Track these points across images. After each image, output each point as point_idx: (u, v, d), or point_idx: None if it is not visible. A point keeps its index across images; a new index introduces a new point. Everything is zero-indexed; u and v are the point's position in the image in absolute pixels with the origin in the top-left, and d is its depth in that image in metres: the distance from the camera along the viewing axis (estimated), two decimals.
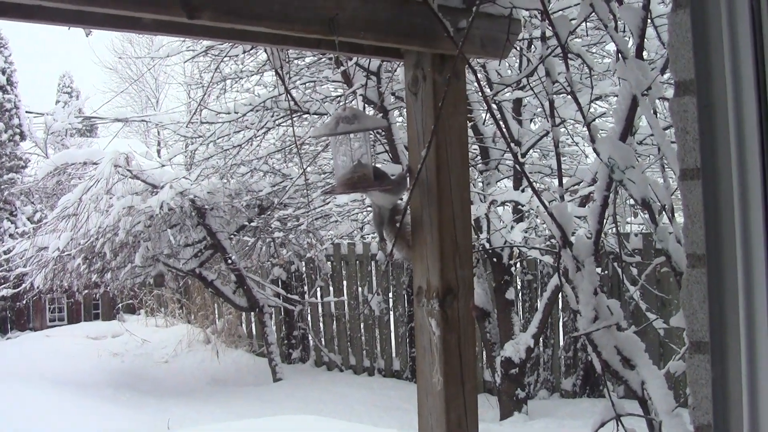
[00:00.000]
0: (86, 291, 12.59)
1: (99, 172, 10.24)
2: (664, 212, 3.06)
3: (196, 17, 2.47)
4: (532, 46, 7.56)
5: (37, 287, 11.12)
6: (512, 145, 5.82)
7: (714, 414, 1.37)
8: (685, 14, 1.42)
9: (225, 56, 9.17)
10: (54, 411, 9.14)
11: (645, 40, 3.01)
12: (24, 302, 15.34)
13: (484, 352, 8.91)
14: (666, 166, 3.38)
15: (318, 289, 12.41)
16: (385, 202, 3.21)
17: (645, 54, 3.05)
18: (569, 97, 7.69)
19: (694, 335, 1.42)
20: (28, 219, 18.89)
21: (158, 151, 23.18)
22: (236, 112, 9.61)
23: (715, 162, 1.34)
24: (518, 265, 9.36)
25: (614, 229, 5.92)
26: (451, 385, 3.10)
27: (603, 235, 3.74)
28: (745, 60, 1.28)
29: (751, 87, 1.28)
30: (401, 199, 3.33)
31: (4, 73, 19.30)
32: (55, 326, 18.68)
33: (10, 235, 17.88)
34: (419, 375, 3.21)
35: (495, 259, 8.34)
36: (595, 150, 2.97)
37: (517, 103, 8.23)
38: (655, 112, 2.92)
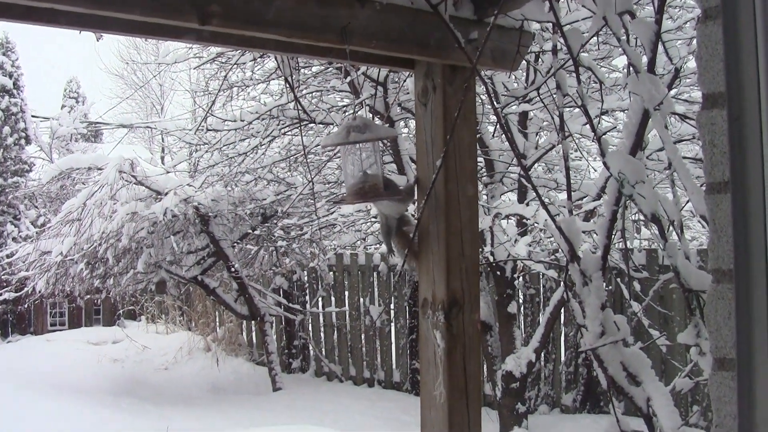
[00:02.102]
0: (88, 296, 12.58)
1: (103, 178, 10.24)
2: (672, 228, 3.04)
3: (207, 23, 2.46)
4: (540, 59, 7.55)
5: (39, 291, 11.10)
6: (519, 158, 5.82)
7: None
8: (715, 26, 1.40)
9: (233, 64, 9.17)
10: (53, 416, 9.12)
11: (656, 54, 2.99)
12: (25, 306, 15.33)
13: (486, 366, 8.87)
14: (676, 182, 3.35)
15: (319, 299, 12.39)
16: (393, 211, 3.19)
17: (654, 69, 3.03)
18: (575, 110, 7.69)
19: (718, 352, 1.40)
20: (32, 223, 18.91)
21: (162, 158, 23.21)
22: (242, 120, 9.60)
23: (744, 175, 1.32)
24: (521, 278, 9.34)
25: (620, 245, 5.90)
26: (455, 398, 3.07)
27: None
28: None
29: None
30: (408, 210, 3.31)
31: (11, 77, 19.35)
32: (55, 330, 18.69)
33: (14, 239, 17.91)
34: (422, 387, 3.18)
35: (498, 273, 8.31)
36: (605, 164, 2.94)
37: (523, 116, 8.21)
38: (665, 127, 2.90)
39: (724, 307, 1.38)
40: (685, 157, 5.81)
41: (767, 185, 1.27)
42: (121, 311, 17.90)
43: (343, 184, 3.18)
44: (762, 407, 1.30)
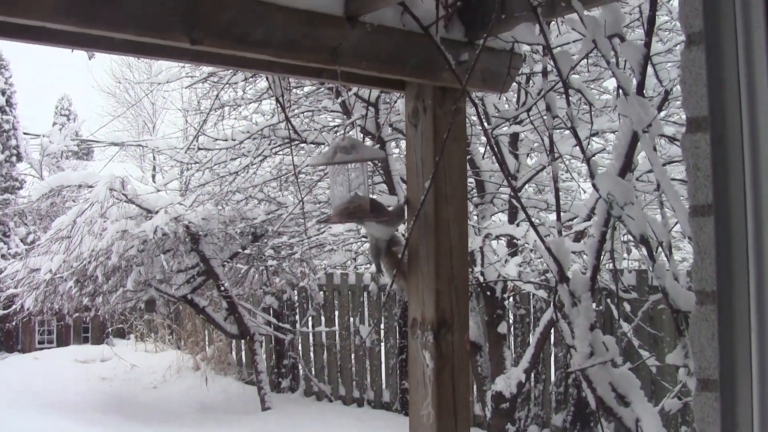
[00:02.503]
0: (77, 314, 12.52)
1: (94, 195, 10.22)
2: (661, 249, 3.06)
3: (198, 43, 2.47)
4: (531, 80, 7.59)
5: (28, 309, 11.05)
6: (509, 179, 5.83)
7: None
8: (699, 51, 1.42)
9: (225, 84, 9.18)
10: None
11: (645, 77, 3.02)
12: (13, 323, 15.26)
13: (475, 386, 8.86)
14: (664, 203, 3.37)
15: (309, 318, 12.36)
16: (381, 233, 3.20)
17: (644, 91, 3.05)
18: (566, 132, 7.73)
19: (702, 373, 1.41)
20: (21, 240, 18.85)
21: (153, 176, 23.18)
22: (233, 140, 9.61)
23: (727, 198, 1.34)
24: (511, 299, 9.34)
25: (610, 265, 5.92)
26: (444, 418, 3.08)
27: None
28: (762, 96, 1.28)
29: None
30: (398, 231, 3.32)
31: (3, 94, 19.35)
32: (43, 348, 18.61)
33: (2, 256, 17.84)
34: (412, 407, 3.18)
35: (488, 293, 8.31)
36: (594, 185, 2.96)
37: (514, 138, 8.24)
38: (654, 149, 2.92)
39: (707, 329, 1.40)
40: (674, 179, 5.83)
41: (749, 208, 1.29)
42: (110, 329, 17.83)
43: (332, 204, 3.19)
44: (744, 428, 1.31)
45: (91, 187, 10.79)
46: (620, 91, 2.89)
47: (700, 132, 1.41)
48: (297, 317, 12.58)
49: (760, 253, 1.29)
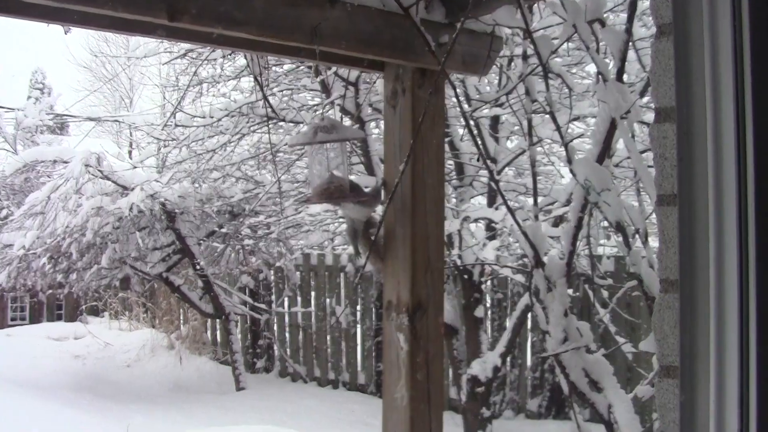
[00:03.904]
0: (50, 291, 12.48)
1: (69, 171, 10.16)
2: (637, 236, 3.09)
3: (177, 20, 2.47)
4: (512, 63, 7.59)
5: (0, 285, 11.00)
6: (488, 162, 5.83)
7: None
8: (668, 42, 1.44)
9: (204, 60, 9.13)
10: (10, 412, 9.03)
11: (626, 63, 3.04)
12: None
13: (451, 370, 8.90)
14: (642, 190, 3.40)
15: (286, 298, 12.36)
16: (359, 214, 3.21)
17: (625, 77, 3.07)
18: (547, 116, 7.74)
19: (664, 359, 1.44)
20: None
21: (130, 153, 23.03)
22: (211, 117, 9.56)
23: (691, 189, 1.36)
24: (489, 283, 9.38)
25: (587, 251, 5.95)
26: (417, 401, 3.10)
27: (575, 256, 3.76)
28: (725, 90, 1.30)
29: (731, 116, 1.30)
30: (375, 212, 3.33)
31: None
32: (16, 325, 18.51)
33: None
34: (385, 390, 3.20)
35: (465, 276, 8.34)
36: (571, 171, 2.99)
37: (495, 121, 8.24)
38: (633, 136, 2.94)
39: (670, 317, 1.42)
40: (651, 166, 5.87)
41: (711, 199, 1.32)
42: (83, 307, 17.75)
43: (309, 184, 3.20)
44: (702, 415, 1.34)
45: (66, 162, 10.73)
46: (599, 76, 2.91)
47: (668, 122, 1.43)
48: (273, 297, 12.58)
49: (721, 243, 1.32)
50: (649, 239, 3.09)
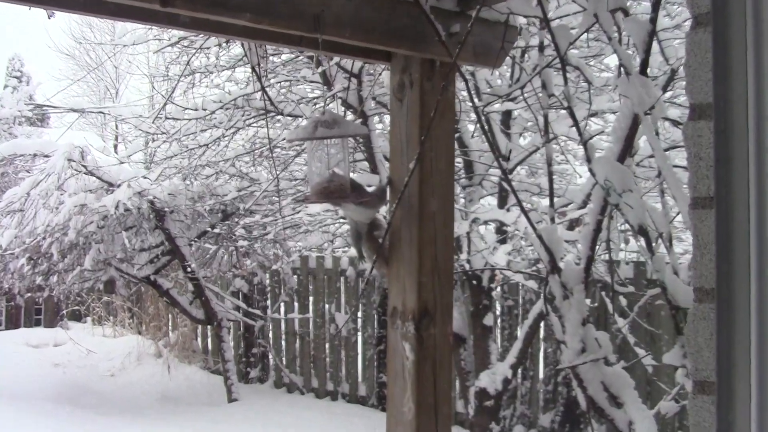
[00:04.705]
0: (29, 294, 12.48)
1: (50, 166, 10.15)
2: (661, 240, 3.08)
3: (169, 5, 2.47)
4: (526, 55, 7.58)
5: None
6: (500, 160, 5.82)
7: None
8: (705, 33, 1.43)
9: (197, 49, 9.11)
10: None
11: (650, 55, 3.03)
12: None
13: (458, 381, 8.89)
14: (665, 192, 3.39)
15: (282, 304, 12.35)
16: (361, 216, 3.20)
17: (648, 71, 3.06)
18: (562, 111, 7.73)
19: (698, 374, 1.43)
20: None
21: (116, 147, 23.06)
22: (204, 109, 9.55)
23: (729, 191, 1.35)
24: (499, 289, 9.36)
25: (605, 256, 5.94)
26: (424, 414, 3.09)
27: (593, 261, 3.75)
28: None
29: None
30: (379, 213, 3.32)
31: None
32: None
33: None
34: (389, 402, 3.19)
35: (474, 282, 8.33)
36: (590, 170, 2.98)
37: (506, 116, 8.24)
38: (657, 133, 2.93)
39: (705, 328, 1.41)
40: (676, 166, 5.85)
41: (752, 202, 1.30)
42: (64, 311, 17.74)
43: (309, 182, 3.19)
44: None
45: (47, 156, 10.72)
46: (622, 69, 2.90)
47: (703, 119, 1.42)
48: (268, 303, 12.57)
49: (763, 250, 1.31)
50: (674, 244, 3.08)
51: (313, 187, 3.07)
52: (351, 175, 3.15)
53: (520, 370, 8.95)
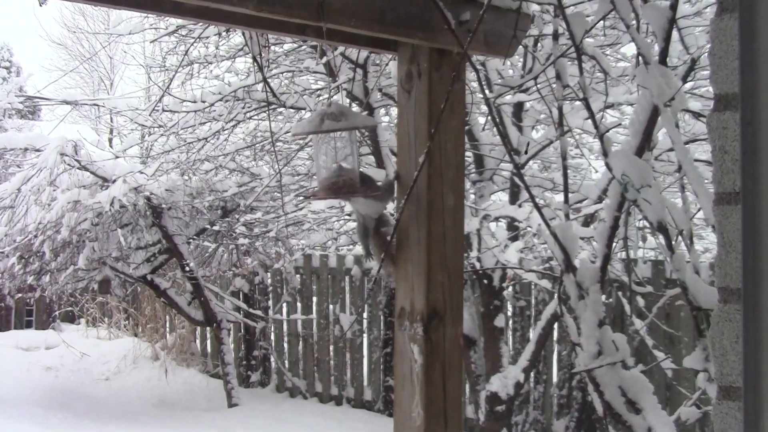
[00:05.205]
0: (19, 295, 12.49)
1: (42, 161, 10.16)
2: (681, 238, 3.07)
3: None
4: (539, 44, 7.57)
5: None
6: (512, 154, 5.81)
7: None
8: (731, 19, 1.42)
9: (195, 38, 9.09)
10: None
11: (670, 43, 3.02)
12: None
13: (468, 385, 8.89)
14: (686, 187, 3.38)
15: (284, 304, 12.36)
16: (370, 210, 3.20)
17: (667, 60, 3.05)
18: (576, 103, 7.72)
19: (723, 379, 1.42)
20: None
21: (110, 140, 23.06)
22: (203, 101, 9.53)
23: (757, 185, 1.34)
24: (510, 288, 9.35)
25: (622, 254, 5.93)
26: (433, 420, 3.09)
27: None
28: None
29: None
30: (386, 208, 3.32)
31: None
32: None
33: None
34: (396, 407, 3.19)
35: (485, 281, 8.32)
36: (607, 165, 2.97)
37: (518, 108, 8.23)
38: (677, 125, 2.93)
39: (731, 330, 1.40)
40: (698, 160, 5.84)
41: None
42: (57, 313, 17.76)
43: (315, 177, 3.19)
44: None
45: (38, 150, 10.72)
46: (640, 59, 2.90)
47: (729, 111, 1.41)
48: (270, 303, 12.59)
49: None
50: (695, 241, 3.07)
51: (321, 182, 3.07)
52: (359, 168, 3.15)
53: (532, 374, 8.95)
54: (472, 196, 8.45)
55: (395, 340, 3.23)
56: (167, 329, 14.63)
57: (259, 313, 12.29)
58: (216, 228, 11.15)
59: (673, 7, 2.95)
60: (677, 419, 3.16)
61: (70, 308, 17.45)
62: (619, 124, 8.38)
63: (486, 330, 8.44)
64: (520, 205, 7.73)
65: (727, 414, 1.41)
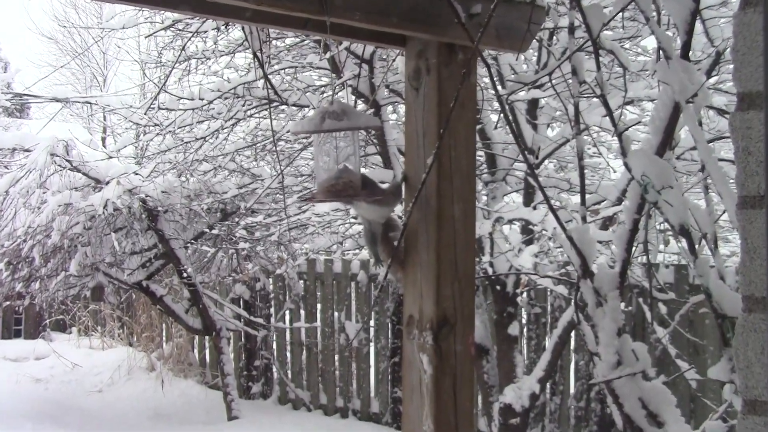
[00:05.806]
0: (7, 302, 12.50)
1: (31, 161, 10.16)
2: (704, 242, 3.07)
3: None
4: (554, 37, 7.56)
5: None
6: (526, 153, 5.79)
7: None
8: (755, 14, 1.41)
9: (193, 33, 9.10)
10: None
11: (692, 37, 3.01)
12: None
13: (480, 397, 8.89)
14: (709, 188, 3.38)
15: (287, 312, 12.37)
16: (374, 215, 3.20)
17: (690, 53, 3.04)
18: (594, 100, 7.71)
19: (748, 392, 1.41)
20: None
21: (104, 140, 23.11)
22: (201, 99, 9.53)
23: None
24: (525, 295, 9.34)
25: (643, 259, 5.93)
26: None
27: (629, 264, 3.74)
28: None
29: None
30: (394, 212, 3.32)
31: None
32: None
33: None
34: (405, 420, 3.19)
35: (498, 287, 8.32)
36: (626, 164, 2.97)
37: (532, 105, 8.23)
38: (700, 123, 2.92)
39: (756, 341, 1.40)
40: (722, 159, 5.82)
41: None
42: (47, 321, 17.78)
43: (316, 179, 3.19)
44: None
45: (27, 150, 10.73)
46: (661, 52, 2.90)
47: (753, 110, 1.40)
48: (272, 310, 12.59)
49: None
50: (719, 245, 3.07)
51: (321, 184, 3.07)
52: (362, 170, 3.15)
53: (548, 385, 8.94)
54: (484, 198, 8.45)
55: (403, 349, 3.22)
56: (163, 338, 14.65)
57: (260, 320, 12.29)
58: (215, 232, 11.16)
59: None
60: None
61: (61, 317, 17.45)
62: (639, 122, 8.36)
63: (499, 338, 8.44)
64: (534, 207, 7.73)
65: (753, 429, 1.40)
